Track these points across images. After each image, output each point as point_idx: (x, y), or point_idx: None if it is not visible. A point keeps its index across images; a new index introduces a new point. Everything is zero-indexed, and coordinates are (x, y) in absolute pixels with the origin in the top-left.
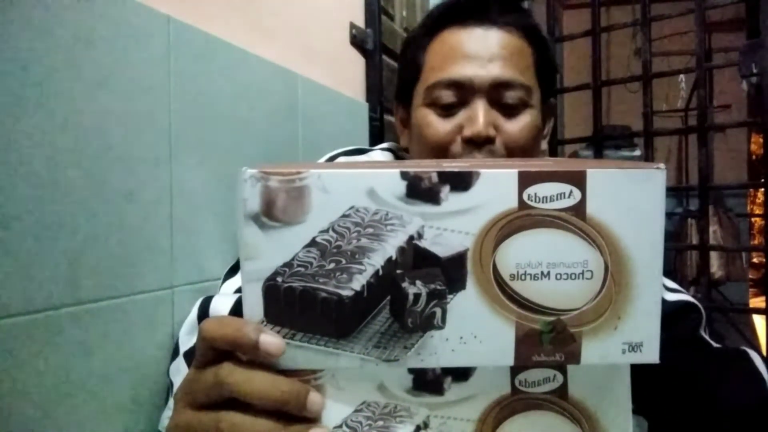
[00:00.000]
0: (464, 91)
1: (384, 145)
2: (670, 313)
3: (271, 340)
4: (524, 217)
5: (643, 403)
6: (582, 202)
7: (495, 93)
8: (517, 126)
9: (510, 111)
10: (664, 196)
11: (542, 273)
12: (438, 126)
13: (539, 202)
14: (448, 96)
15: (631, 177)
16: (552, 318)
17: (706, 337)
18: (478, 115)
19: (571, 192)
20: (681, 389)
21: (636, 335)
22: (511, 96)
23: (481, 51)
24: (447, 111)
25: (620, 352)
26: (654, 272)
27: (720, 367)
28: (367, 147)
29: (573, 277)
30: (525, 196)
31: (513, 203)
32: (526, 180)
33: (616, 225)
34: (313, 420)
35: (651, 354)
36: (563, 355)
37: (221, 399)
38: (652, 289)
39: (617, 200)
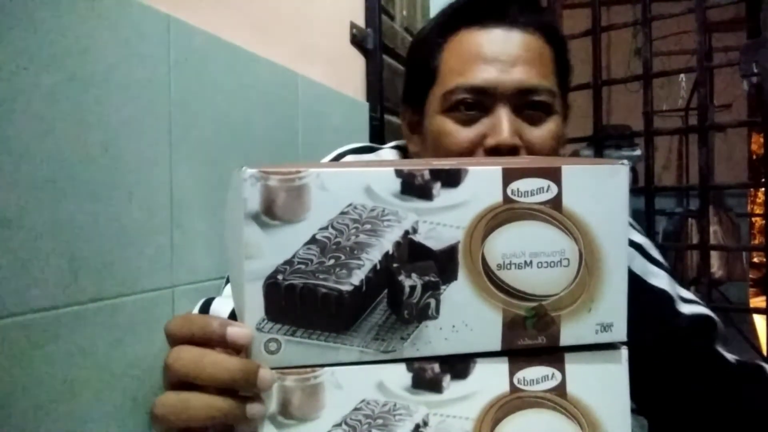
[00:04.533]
0: (486, 98)
1: (393, 142)
2: (686, 328)
3: (238, 331)
4: (508, 211)
5: (657, 418)
6: (558, 196)
7: (519, 99)
8: (542, 134)
9: (534, 118)
10: (627, 188)
11: (525, 262)
12: (458, 135)
13: (521, 196)
14: (468, 102)
15: (599, 172)
16: (535, 304)
17: (722, 351)
18: (503, 123)
19: (549, 186)
20: (696, 406)
21: (607, 316)
22: (536, 103)
23: (503, 54)
24: (467, 118)
25: (594, 332)
26: (620, 257)
27: (735, 384)
28: (376, 145)
29: (552, 265)
30: (509, 191)
31: (498, 198)
32: (509, 176)
33: (588, 215)
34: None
35: (620, 333)
36: (545, 337)
37: (177, 383)
38: (620, 273)
39: (588, 193)
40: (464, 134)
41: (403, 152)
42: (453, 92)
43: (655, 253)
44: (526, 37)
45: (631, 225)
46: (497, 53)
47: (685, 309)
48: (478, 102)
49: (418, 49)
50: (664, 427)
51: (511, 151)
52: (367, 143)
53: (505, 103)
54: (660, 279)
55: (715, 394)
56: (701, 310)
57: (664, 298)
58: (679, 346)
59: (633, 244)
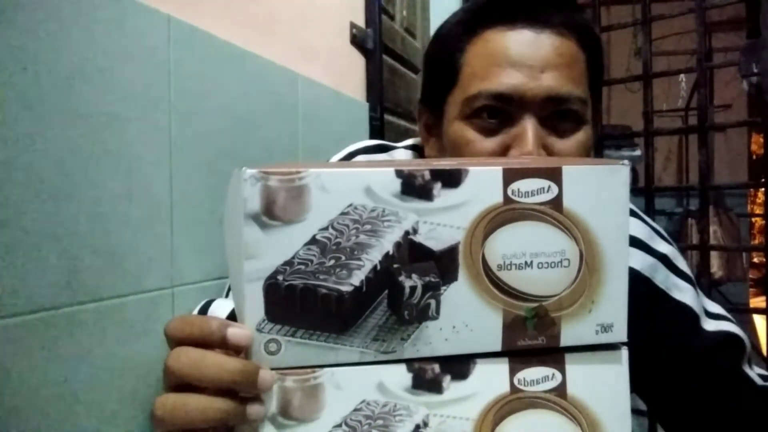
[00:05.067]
0: (511, 106)
1: (408, 142)
2: (710, 347)
3: (238, 332)
4: (509, 211)
5: None
6: (559, 196)
7: (547, 109)
8: (571, 147)
9: (563, 129)
10: (628, 188)
11: (526, 263)
12: (479, 145)
13: (522, 196)
14: (491, 110)
15: (600, 172)
16: (535, 304)
17: (749, 372)
18: (528, 135)
19: (549, 187)
20: (719, 429)
21: (607, 317)
22: (566, 112)
23: (532, 58)
24: (489, 127)
25: (594, 333)
26: (621, 258)
27: (762, 407)
28: (390, 144)
29: (553, 265)
30: (509, 192)
31: (498, 198)
32: (509, 176)
33: (588, 216)
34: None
35: (620, 334)
36: (545, 338)
37: (177, 384)
38: (620, 274)
39: (589, 193)
40: (485, 144)
41: (419, 152)
42: (475, 98)
43: (682, 264)
44: (557, 39)
45: (657, 233)
46: (525, 57)
47: (710, 326)
48: (502, 110)
49: (439, 46)
50: None
51: None
52: (380, 141)
53: (532, 113)
54: (684, 293)
55: (740, 417)
56: (727, 327)
57: (688, 314)
58: (703, 367)
59: (658, 254)
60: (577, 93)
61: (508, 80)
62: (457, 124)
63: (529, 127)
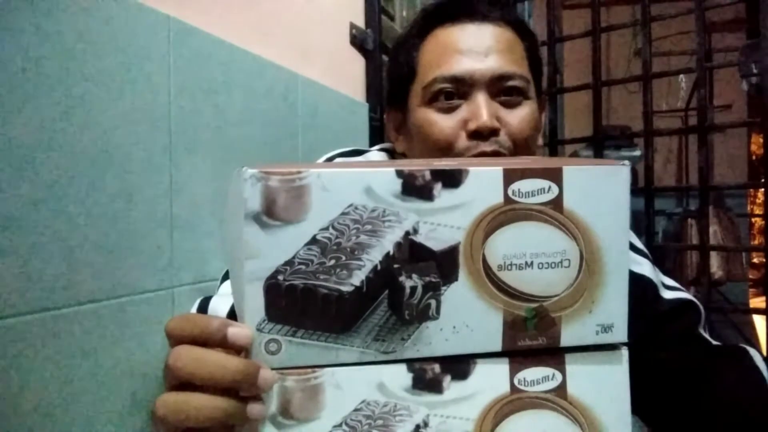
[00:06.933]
0: (464, 86)
1: (380, 145)
2: (668, 311)
3: (239, 332)
4: (509, 212)
5: (640, 401)
6: (559, 196)
7: (495, 86)
8: (519, 117)
9: (510, 103)
10: (629, 189)
11: (526, 263)
12: (441, 123)
13: (522, 197)
14: (447, 92)
15: (600, 172)
16: (535, 304)
17: (705, 335)
18: (481, 108)
19: (550, 187)
20: (679, 387)
21: (608, 317)
22: (511, 88)
23: (476, 45)
24: (448, 107)
25: (594, 333)
26: (621, 258)
27: (719, 364)
28: (364, 148)
29: (553, 265)
30: (510, 192)
31: (499, 198)
32: (510, 177)
33: (589, 216)
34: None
35: (621, 334)
36: (545, 338)
37: (178, 383)
38: (621, 274)
39: (589, 194)
40: (446, 122)
41: (390, 154)
42: (432, 83)
43: (637, 242)
44: (497, 29)
45: None
46: (471, 45)
47: (668, 295)
48: (457, 90)
49: (399, 51)
50: (654, 418)
51: (491, 133)
52: (354, 147)
53: (482, 90)
54: (643, 266)
55: (698, 375)
56: (684, 295)
57: (647, 284)
58: (662, 330)
59: None
60: (519, 71)
61: (458, 65)
62: (419, 110)
63: (481, 101)
